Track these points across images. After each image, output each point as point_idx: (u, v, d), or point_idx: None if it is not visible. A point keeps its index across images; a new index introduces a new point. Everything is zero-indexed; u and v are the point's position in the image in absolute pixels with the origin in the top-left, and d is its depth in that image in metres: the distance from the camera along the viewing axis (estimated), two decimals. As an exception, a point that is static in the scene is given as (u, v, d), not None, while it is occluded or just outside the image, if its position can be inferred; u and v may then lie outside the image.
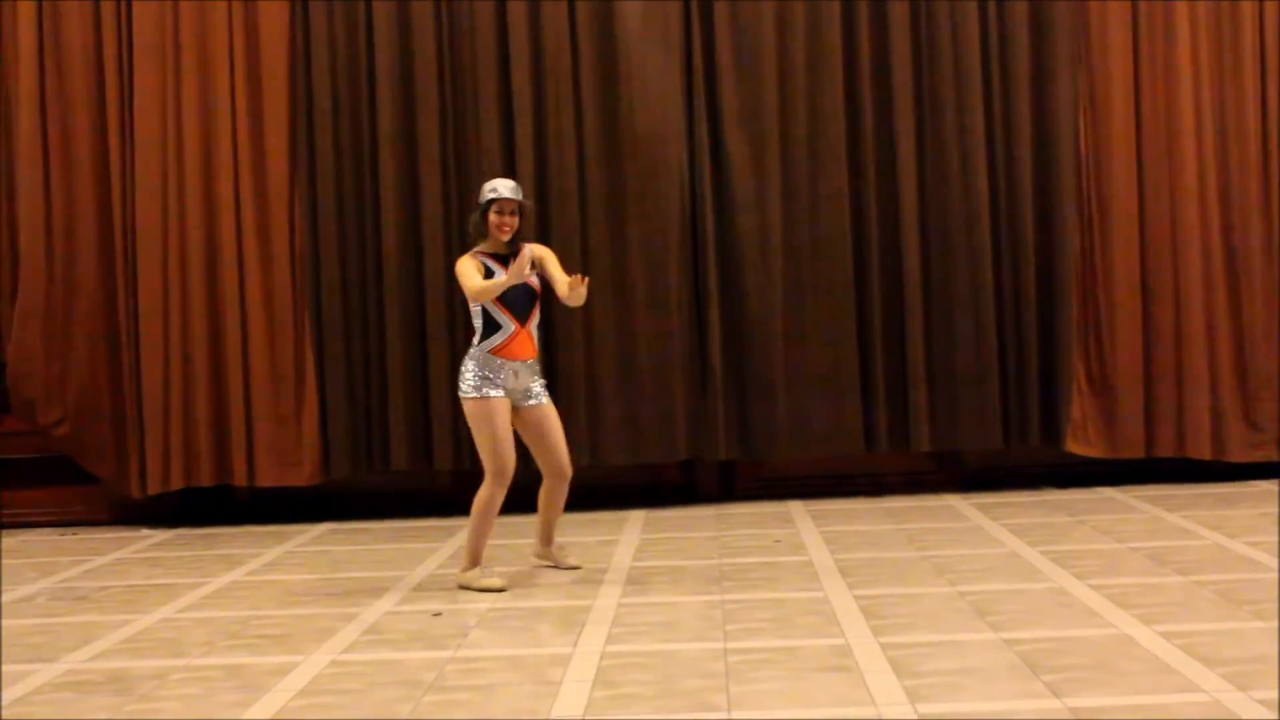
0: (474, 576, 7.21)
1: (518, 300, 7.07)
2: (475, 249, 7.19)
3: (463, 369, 7.14)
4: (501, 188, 7.13)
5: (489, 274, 7.04)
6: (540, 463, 7.40)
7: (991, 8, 9.90)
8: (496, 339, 7.07)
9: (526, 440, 7.32)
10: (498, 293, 6.94)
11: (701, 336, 9.82)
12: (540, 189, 9.78)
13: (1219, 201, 9.92)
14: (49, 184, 10.01)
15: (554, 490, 7.44)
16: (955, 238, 9.84)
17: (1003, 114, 9.89)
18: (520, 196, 7.16)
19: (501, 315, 7.06)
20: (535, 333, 7.21)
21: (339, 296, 9.83)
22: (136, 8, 9.91)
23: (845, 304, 9.83)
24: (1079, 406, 9.87)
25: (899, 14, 9.85)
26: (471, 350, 7.14)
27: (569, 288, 7.02)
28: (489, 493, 7.11)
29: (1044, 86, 9.90)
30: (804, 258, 9.86)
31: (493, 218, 7.10)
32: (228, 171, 9.86)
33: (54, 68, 10.00)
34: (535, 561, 7.75)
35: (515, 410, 7.20)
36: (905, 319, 9.82)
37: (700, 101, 9.85)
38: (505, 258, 7.12)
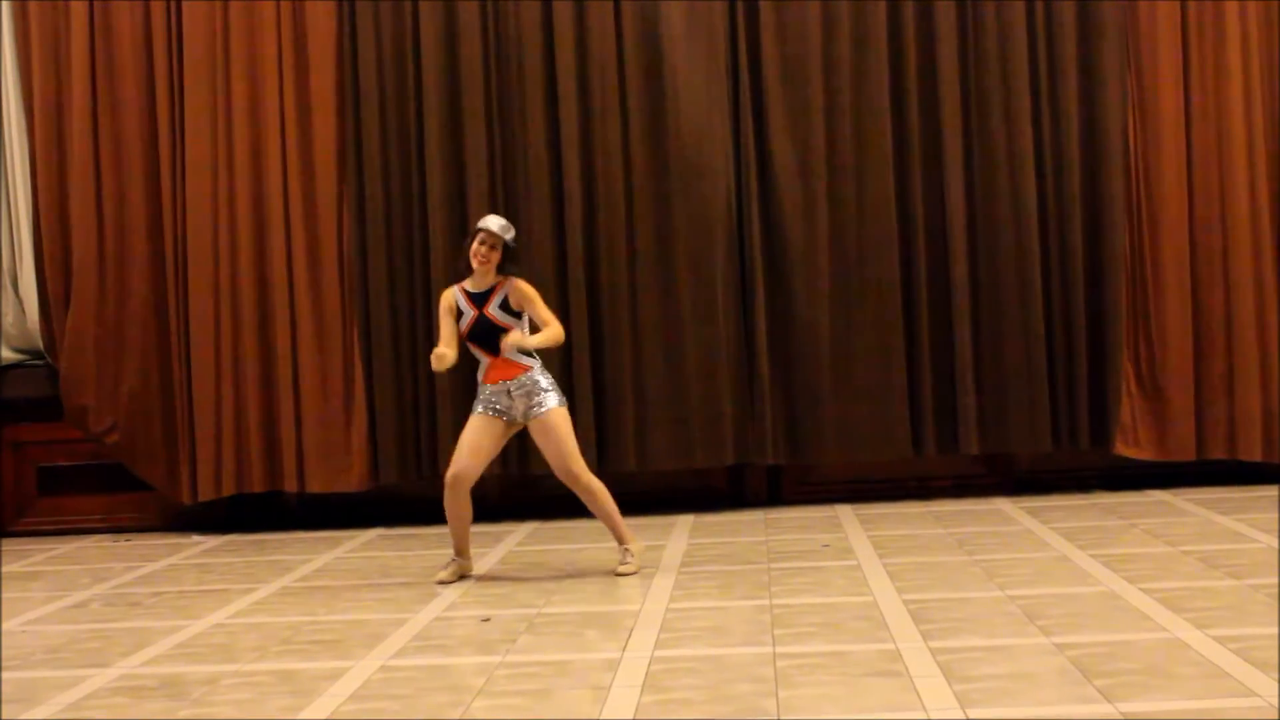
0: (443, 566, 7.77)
1: (481, 336, 7.52)
2: (461, 281, 7.61)
3: None
4: (490, 222, 7.56)
5: (459, 315, 7.54)
6: (553, 471, 7.64)
7: (1039, 8, 9.84)
8: (481, 369, 7.58)
9: (540, 450, 7.69)
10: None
11: (748, 340, 9.81)
12: (586, 193, 9.80)
13: (1270, 203, 9.83)
14: (100, 192, 10.11)
15: (579, 496, 7.63)
16: (1003, 240, 9.79)
17: (1050, 116, 9.84)
18: (507, 235, 7.48)
19: (475, 351, 7.60)
20: (517, 356, 7.49)
21: (387, 302, 9.88)
22: (186, 8, 9.99)
23: (892, 307, 9.79)
24: (1128, 409, 9.80)
25: (945, 15, 9.82)
26: None
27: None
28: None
29: (1092, 88, 9.84)
30: (851, 261, 9.84)
31: (474, 246, 7.50)
32: (276, 178, 9.93)
33: (105, 74, 10.10)
34: (581, 568, 7.77)
35: (526, 423, 7.55)
36: (953, 322, 9.78)
37: (746, 105, 9.83)
38: (483, 295, 7.51)
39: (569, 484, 7.57)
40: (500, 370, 7.49)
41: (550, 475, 7.71)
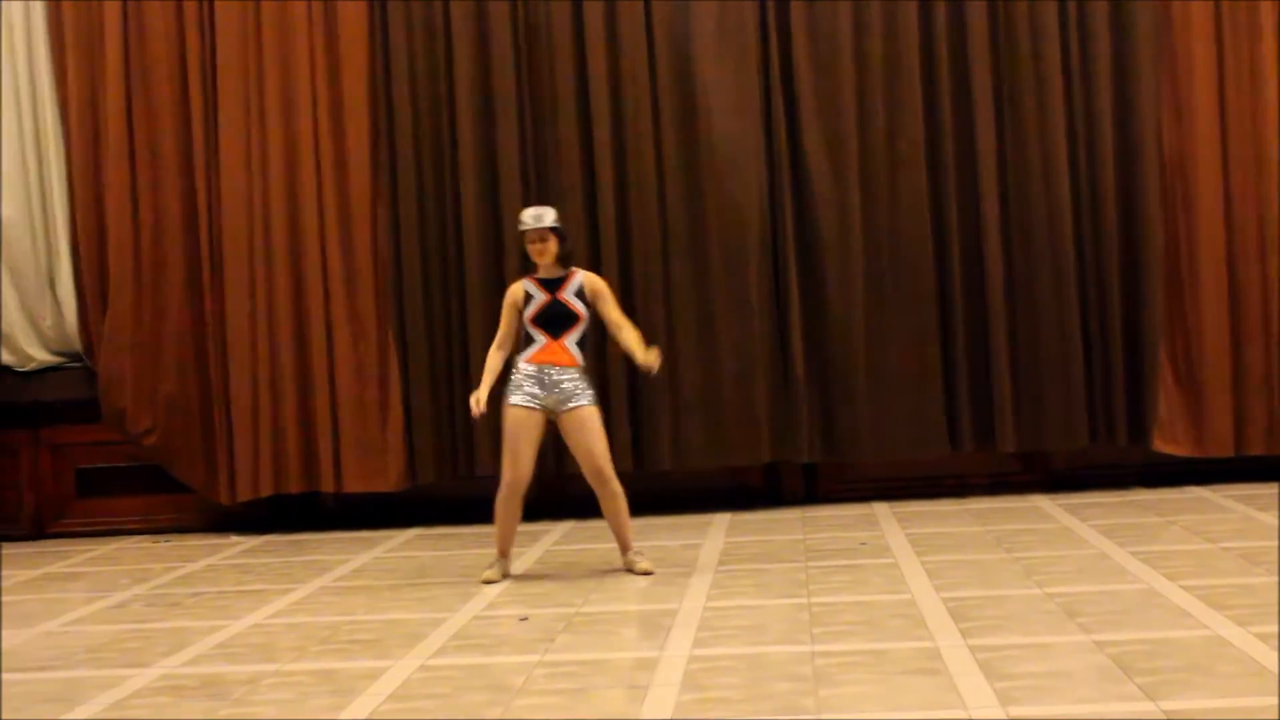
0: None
1: (550, 320, 7.53)
2: (532, 274, 7.68)
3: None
4: (525, 218, 7.66)
5: (528, 299, 7.57)
6: (581, 466, 7.62)
7: (1071, 6, 9.79)
8: (530, 350, 7.56)
9: (568, 445, 7.68)
10: (484, 385, 7.59)
11: (783, 339, 9.79)
12: (618, 190, 9.82)
13: (1307, 197, 9.78)
14: (136, 194, 10.18)
15: (600, 497, 7.62)
16: (1038, 237, 9.75)
17: (1084, 112, 9.78)
18: (540, 223, 7.58)
19: (535, 332, 7.56)
20: (573, 348, 7.55)
21: (422, 300, 9.91)
22: (219, 7, 10.04)
23: (927, 305, 9.77)
24: (1166, 405, 9.74)
25: (977, 12, 9.78)
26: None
27: (641, 359, 7.49)
28: (499, 493, 7.58)
29: (1125, 85, 9.77)
30: (885, 259, 9.81)
31: (527, 248, 7.61)
32: (310, 178, 9.98)
33: (139, 75, 10.17)
34: (618, 566, 7.78)
35: (556, 417, 7.54)
36: (988, 319, 9.74)
37: (777, 102, 9.81)
38: (555, 281, 7.59)
39: (596, 482, 7.56)
40: (550, 354, 7.49)
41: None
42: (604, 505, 7.64)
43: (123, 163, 10.17)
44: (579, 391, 7.51)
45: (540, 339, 7.52)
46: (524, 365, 7.51)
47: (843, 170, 9.79)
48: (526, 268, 7.84)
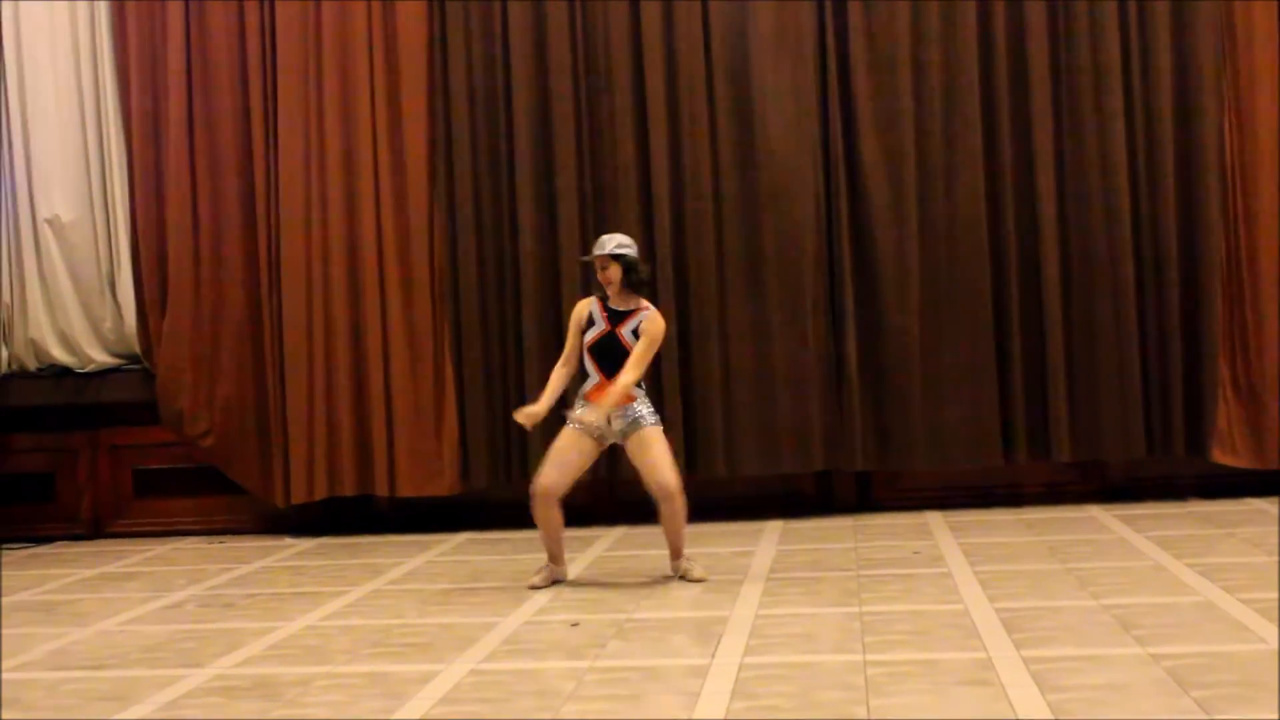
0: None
1: (604, 354, 7.46)
2: (603, 296, 7.61)
3: None
4: (601, 245, 7.55)
5: (590, 324, 7.49)
6: (645, 482, 7.58)
7: (1131, 6, 9.70)
8: (586, 386, 7.55)
9: (634, 465, 7.65)
10: (546, 398, 7.56)
11: (837, 346, 9.75)
12: (674, 196, 9.82)
13: (1372, 204, 9.65)
14: (196, 197, 10.28)
15: (661, 509, 7.54)
16: (1096, 244, 9.67)
17: (1144, 115, 9.69)
18: (601, 250, 7.51)
19: (589, 365, 7.54)
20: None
21: (478, 306, 9.95)
22: (280, 8, 10.11)
23: (983, 313, 9.70)
24: (1225, 415, 9.63)
25: (1035, 15, 9.71)
26: None
27: (593, 405, 7.46)
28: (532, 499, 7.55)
29: (1187, 88, 9.69)
30: (941, 266, 9.76)
31: (596, 273, 7.54)
32: (368, 182, 10.03)
33: (200, 78, 10.27)
34: (670, 574, 7.77)
35: (621, 441, 7.57)
36: (1045, 327, 9.67)
37: (834, 108, 9.79)
38: (620, 314, 7.53)
39: (662, 496, 7.46)
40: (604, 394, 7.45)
41: (637, 480, 7.69)
42: (663, 518, 7.58)
43: (183, 167, 10.26)
44: (638, 415, 7.47)
45: (594, 376, 7.48)
46: (588, 403, 7.48)
47: (899, 177, 9.75)
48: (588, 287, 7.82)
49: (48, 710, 5.61)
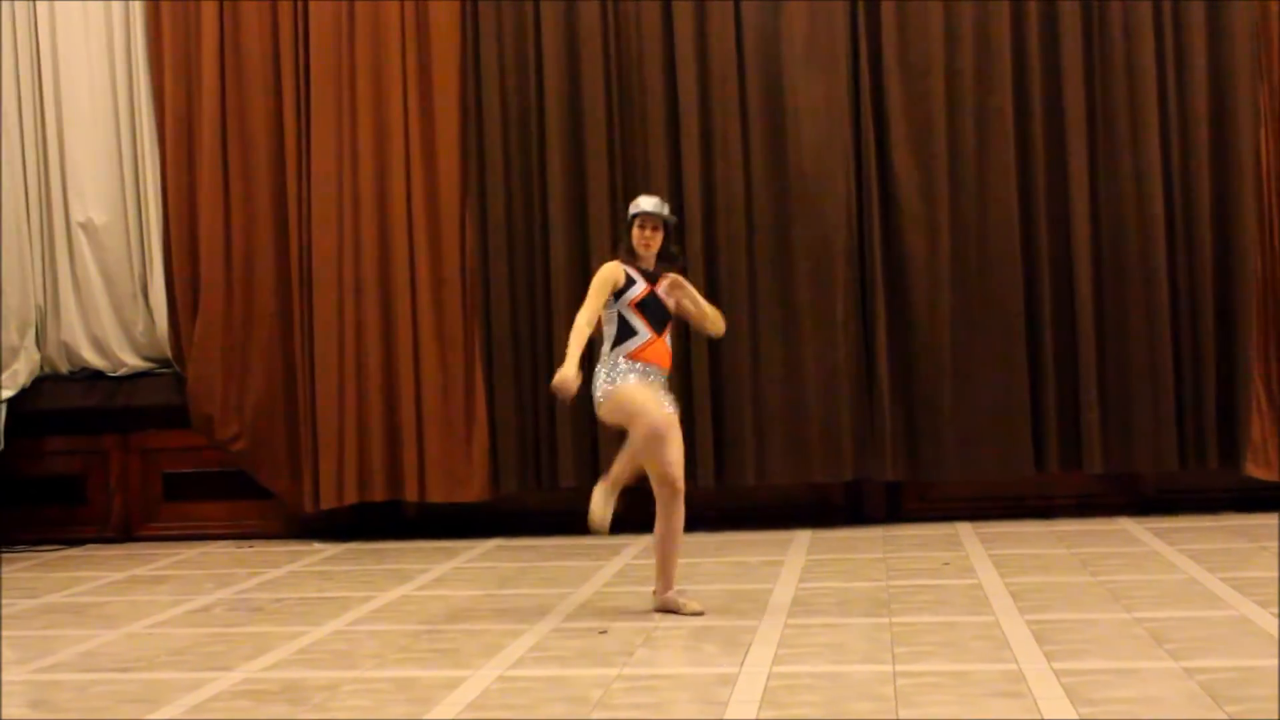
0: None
1: (656, 310, 7.01)
2: (627, 260, 7.09)
3: (593, 378, 6.98)
4: (645, 203, 7.09)
5: (630, 283, 6.96)
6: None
7: (1166, 9, 9.63)
8: (631, 344, 6.94)
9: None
10: (573, 356, 6.73)
11: (868, 356, 9.71)
12: (706, 202, 9.80)
13: None
14: (229, 202, 10.31)
15: (663, 513, 6.97)
16: (1129, 253, 9.60)
17: (1179, 126, 9.62)
18: (664, 212, 7.10)
19: (638, 321, 6.95)
20: (670, 347, 7.08)
21: (508, 312, 9.94)
22: (313, 8, 10.14)
23: (1015, 323, 9.65)
24: (1259, 428, 9.55)
25: (1070, 19, 9.65)
26: (602, 357, 7.01)
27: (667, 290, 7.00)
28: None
29: (1223, 97, 9.61)
30: (973, 276, 9.71)
31: (635, 233, 7.06)
32: (400, 186, 10.04)
33: (234, 81, 10.30)
34: (697, 583, 7.73)
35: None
36: (1077, 338, 9.61)
37: (866, 113, 9.76)
38: (651, 273, 7.07)
39: (669, 492, 6.90)
40: (655, 354, 6.92)
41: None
42: (662, 521, 6.96)
43: (216, 170, 10.29)
44: (667, 397, 7.07)
45: (644, 332, 6.90)
46: (624, 361, 6.90)
47: (932, 185, 9.71)
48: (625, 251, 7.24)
49: (77, 711, 5.62)
